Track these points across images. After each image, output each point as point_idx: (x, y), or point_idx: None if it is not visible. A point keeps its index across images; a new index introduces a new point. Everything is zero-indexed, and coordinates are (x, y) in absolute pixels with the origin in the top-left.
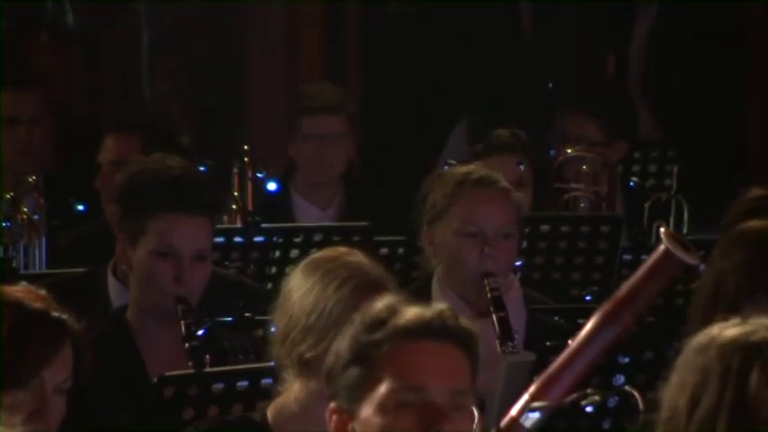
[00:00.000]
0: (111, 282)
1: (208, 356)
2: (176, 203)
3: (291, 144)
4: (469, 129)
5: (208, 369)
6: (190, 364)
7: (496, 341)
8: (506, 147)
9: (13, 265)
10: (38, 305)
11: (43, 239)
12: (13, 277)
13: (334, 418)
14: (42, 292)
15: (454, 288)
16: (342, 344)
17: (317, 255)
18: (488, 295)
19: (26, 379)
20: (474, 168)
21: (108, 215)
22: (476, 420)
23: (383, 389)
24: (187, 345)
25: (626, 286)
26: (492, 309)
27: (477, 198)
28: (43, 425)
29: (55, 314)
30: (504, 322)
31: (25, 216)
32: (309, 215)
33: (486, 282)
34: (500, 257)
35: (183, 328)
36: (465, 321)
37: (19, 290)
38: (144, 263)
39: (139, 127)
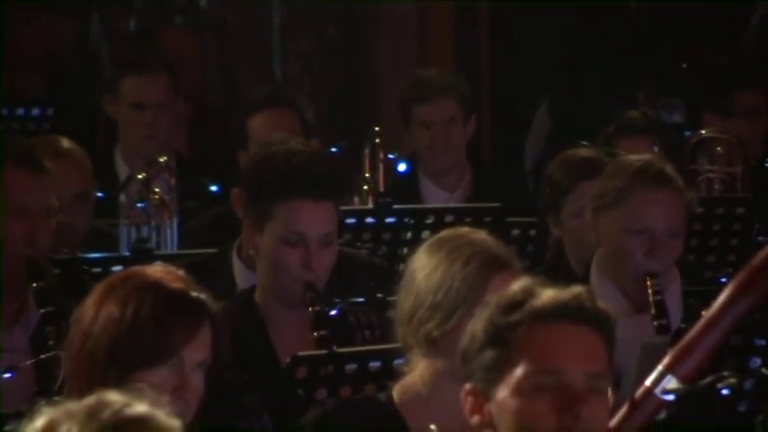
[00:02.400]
0: (236, 263)
1: (335, 347)
2: (302, 189)
3: (409, 133)
4: (550, 110)
5: (340, 350)
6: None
7: None
8: (639, 128)
9: (147, 245)
10: (177, 285)
11: (175, 220)
12: (148, 258)
13: (470, 399)
14: (180, 272)
15: (614, 279)
16: (477, 325)
17: (440, 234)
18: (651, 298)
19: (166, 357)
20: (650, 162)
21: (232, 198)
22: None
23: (519, 371)
24: (316, 334)
25: (760, 256)
26: (653, 313)
27: (651, 197)
28: (183, 403)
29: (194, 294)
30: (665, 330)
31: (158, 197)
32: (437, 198)
33: (648, 282)
34: (666, 257)
35: (312, 316)
36: (602, 304)
37: (158, 270)
38: (271, 249)
39: (290, 103)
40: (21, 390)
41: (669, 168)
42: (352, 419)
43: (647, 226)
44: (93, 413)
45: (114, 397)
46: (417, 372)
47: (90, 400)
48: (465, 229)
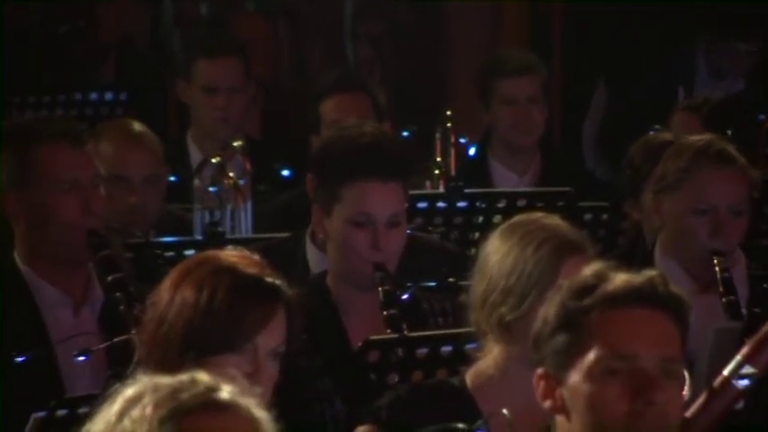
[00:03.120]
0: (310, 248)
1: (405, 325)
2: (369, 170)
3: (489, 109)
4: (608, 89)
5: (412, 333)
6: (388, 331)
7: None
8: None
9: (220, 229)
10: (252, 270)
11: (249, 204)
12: (220, 242)
13: (542, 383)
14: (256, 256)
15: (679, 260)
16: (549, 310)
17: (513, 219)
18: (718, 275)
19: (241, 344)
20: (710, 142)
21: (307, 183)
22: (686, 385)
23: (592, 356)
24: (385, 313)
25: None
26: (721, 290)
27: (714, 175)
28: (257, 390)
29: (269, 279)
30: (733, 306)
31: (231, 181)
32: (507, 181)
33: (715, 260)
34: (730, 235)
35: (381, 296)
36: (675, 288)
37: (233, 254)
38: (340, 231)
39: (362, 88)
40: (91, 372)
41: (730, 147)
42: (425, 403)
43: (711, 205)
44: (181, 389)
45: (205, 378)
46: (490, 356)
47: (182, 377)
48: (538, 214)
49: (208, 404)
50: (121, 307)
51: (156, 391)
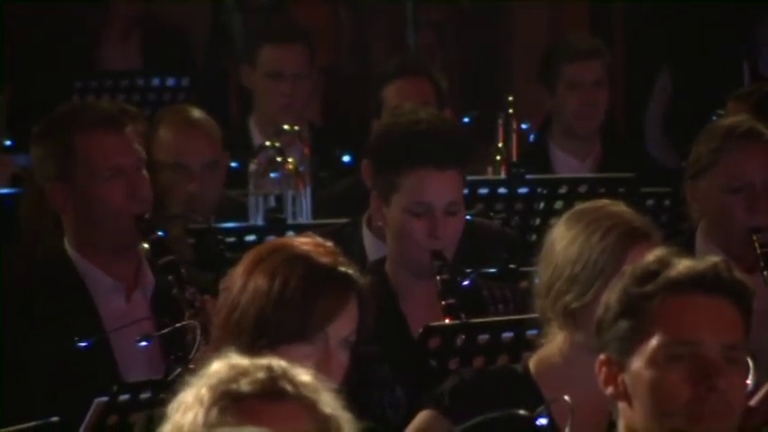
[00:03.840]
0: (366, 234)
1: (463, 315)
2: (426, 158)
3: (553, 95)
4: (671, 74)
5: (473, 320)
6: (446, 320)
7: None
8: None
9: (281, 215)
10: (325, 259)
11: (308, 190)
12: (281, 228)
13: (604, 369)
14: (329, 244)
15: (719, 243)
16: (612, 296)
17: (579, 206)
18: (758, 251)
19: (312, 334)
20: (740, 121)
21: (362, 169)
22: (750, 373)
23: (654, 342)
24: (444, 302)
25: None
26: (762, 265)
27: (744, 152)
28: (327, 377)
29: (342, 269)
30: None
31: (291, 167)
32: (568, 167)
33: (754, 237)
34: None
35: (439, 285)
36: (739, 274)
37: (307, 242)
38: (398, 220)
39: (424, 73)
40: (146, 357)
41: (760, 125)
42: (487, 389)
43: (745, 182)
44: (245, 374)
45: (277, 365)
46: (555, 343)
47: (258, 361)
48: (604, 201)
49: (264, 392)
50: (174, 290)
51: (219, 373)
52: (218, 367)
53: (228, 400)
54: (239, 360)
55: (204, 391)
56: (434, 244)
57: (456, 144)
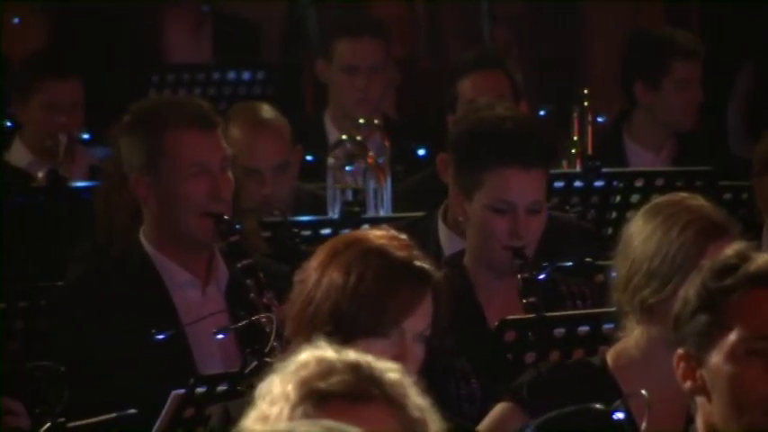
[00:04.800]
0: (441, 228)
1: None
2: (512, 157)
3: (658, 89)
4: (756, 70)
5: (549, 314)
6: None
7: None
8: None
9: (356, 209)
10: (401, 253)
11: (389, 182)
12: (356, 221)
13: (682, 364)
14: (404, 237)
15: None
16: (690, 290)
17: (657, 200)
18: None
19: (388, 329)
20: None
21: (438, 163)
22: None
23: (733, 337)
24: (525, 300)
25: None
26: None
27: None
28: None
29: (417, 263)
30: None
31: (372, 159)
32: (643, 160)
33: None
34: None
35: (520, 283)
36: None
37: (382, 235)
38: (479, 216)
39: (500, 66)
40: (221, 350)
41: None
42: (565, 383)
43: None
44: (332, 372)
45: (372, 363)
46: (632, 337)
47: (351, 356)
48: (682, 195)
49: (352, 393)
50: (252, 295)
51: (307, 367)
52: (305, 360)
53: (314, 400)
54: (327, 353)
55: (291, 388)
56: (516, 243)
57: (542, 144)
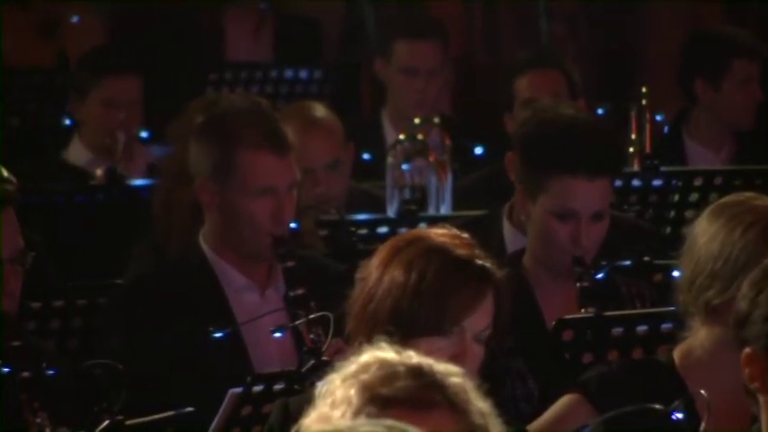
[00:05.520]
0: (506, 226)
1: None
2: (579, 166)
3: (715, 90)
4: None
5: (607, 313)
6: None
7: None
8: None
9: (413, 207)
10: (462, 252)
11: (450, 180)
12: (413, 220)
13: (750, 364)
14: (466, 236)
15: None
16: (748, 290)
17: (722, 200)
18: None
19: (448, 328)
20: None
21: (506, 161)
22: None
23: None
24: (583, 310)
25: None
26: None
27: None
28: None
29: (479, 262)
30: None
31: (433, 157)
32: (702, 158)
33: None
34: None
35: (579, 292)
36: None
37: (444, 234)
38: (542, 220)
39: (557, 65)
40: (277, 350)
41: None
42: (634, 380)
43: None
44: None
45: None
46: (698, 337)
47: (413, 359)
48: (747, 195)
49: (414, 400)
50: (298, 322)
51: (369, 370)
52: (367, 362)
53: (377, 405)
54: (389, 356)
55: (353, 393)
56: (577, 250)
57: (609, 152)
